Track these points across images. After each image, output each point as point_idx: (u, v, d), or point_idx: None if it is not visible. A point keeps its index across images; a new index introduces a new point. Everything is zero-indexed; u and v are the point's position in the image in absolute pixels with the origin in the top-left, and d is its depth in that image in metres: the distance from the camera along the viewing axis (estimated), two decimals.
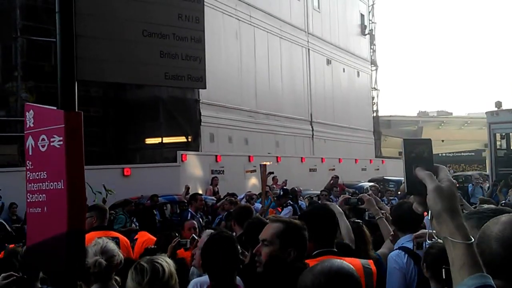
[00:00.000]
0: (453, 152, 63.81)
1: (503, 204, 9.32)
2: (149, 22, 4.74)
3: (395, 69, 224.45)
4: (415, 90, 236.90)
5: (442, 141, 45.91)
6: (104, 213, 7.34)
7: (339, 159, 31.50)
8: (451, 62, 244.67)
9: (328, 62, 35.15)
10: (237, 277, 4.36)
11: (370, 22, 42.44)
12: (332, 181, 23.12)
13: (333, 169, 28.64)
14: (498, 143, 19.99)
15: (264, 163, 14.27)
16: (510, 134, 19.43)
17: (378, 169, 35.99)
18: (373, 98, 42.22)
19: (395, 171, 34.80)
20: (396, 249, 5.14)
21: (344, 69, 37.25)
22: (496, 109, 19.85)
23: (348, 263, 3.53)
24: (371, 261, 4.14)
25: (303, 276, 2.60)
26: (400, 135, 45.43)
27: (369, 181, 25.77)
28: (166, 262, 3.93)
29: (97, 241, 4.22)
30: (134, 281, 3.80)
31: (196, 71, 5.15)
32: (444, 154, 64.21)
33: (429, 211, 1.94)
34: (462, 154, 66.24)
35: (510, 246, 2.09)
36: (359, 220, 5.99)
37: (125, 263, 4.29)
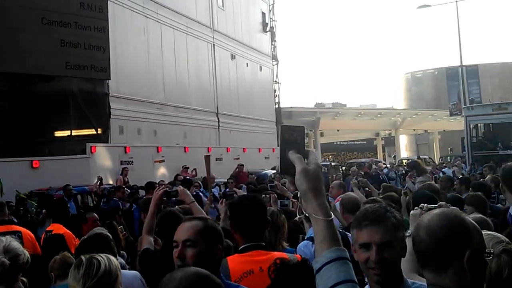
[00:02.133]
0: (347, 141, 65.65)
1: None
2: (49, 10, 4.40)
3: (294, 63, 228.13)
4: (312, 83, 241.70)
5: (338, 130, 46.90)
6: (2, 207, 6.93)
7: (244, 148, 31.59)
8: (344, 57, 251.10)
9: (233, 57, 35.12)
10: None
11: (271, 20, 42.69)
12: (237, 169, 23.25)
13: (238, 158, 28.73)
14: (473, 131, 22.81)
15: (207, 154, 14.38)
16: (479, 124, 22.51)
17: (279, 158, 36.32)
18: (274, 90, 42.58)
19: None
20: (305, 239, 4.94)
21: (247, 64, 37.31)
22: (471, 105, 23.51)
23: None
24: (299, 255, 3.90)
25: None
26: (300, 125, 46.09)
27: (272, 169, 26.01)
28: (107, 259, 3.49)
29: (0, 239, 3.70)
30: (71, 276, 3.42)
31: (99, 61, 4.85)
32: (339, 143, 65.98)
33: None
34: (355, 142, 68.28)
35: (435, 233, 2.13)
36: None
37: (33, 260, 3.82)
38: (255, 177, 20.93)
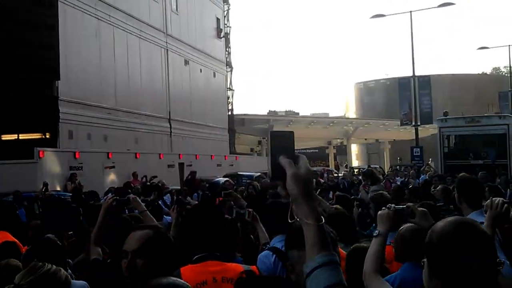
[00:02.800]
0: (299, 149, 66.05)
1: None
2: None
3: (248, 70, 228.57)
4: (266, 90, 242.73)
5: None
6: None
7: (196, 155, 31.47)
8: (297, 65, 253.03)
9: (186, 62, 34.96)
10: None
11: (225, 26, 42.78)
12: (190, 176, 23.07)
13: (190, 165, 28.59)
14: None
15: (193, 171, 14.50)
16: (450, 136, 24.10)
17: (232, 165, 36.40)
18: (228, 97, 42.63)
19: (248, 167, 35.38)
20: (266, 249, 4.86)
21: (201, 70, 37.20)
22: (444, 117, 24.86)
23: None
24: (255, 267, 3.85)
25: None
26: (252, 132, 46.22)
27: (224, 176, 25.95)
28: (58, 268, 3.30)
29: None
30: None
31: (48, 61, 4.65)
32: None
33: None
34: (308, 151, 68.77)
35: (445, 237, 2.12)
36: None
37: None
38: (207, 184, 20.82)
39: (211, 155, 33.88)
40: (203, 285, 3.48)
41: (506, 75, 76.66)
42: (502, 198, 3.81)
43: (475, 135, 22.16)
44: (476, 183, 5.05)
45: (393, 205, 3.64)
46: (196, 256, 3.61)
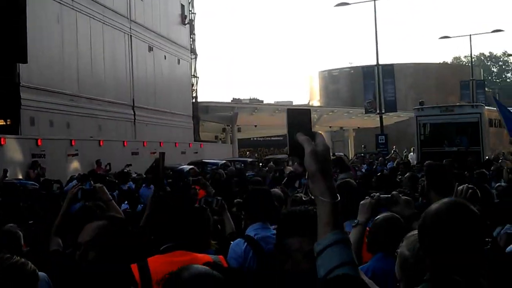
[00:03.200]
0: (264, 137, 66.14)
1: None
2: None
3: (212, 57, 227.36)
4: (230, 78, 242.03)
5: (255, 126, 47.20)
6: None
7: (160, 142, 31.24)
8: (261, 53, 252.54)
9: (150, 49, 34.60)
10: None
11: (190, 12, 42.43)
12: (154, 164, 22.89)
13: (155, 153, 28.33)
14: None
15: (162, 151, 14.22)
16: (427, 124, 25.01)
17: (196, 152, 36.27)
18: (192, 84, 42.40)
19: (213, 154, 35.31)
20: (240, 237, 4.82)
21: (165, 56, 36.88)
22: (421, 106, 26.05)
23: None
24: (222, 256, 3.82)
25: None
26: (217, 120, 46.09)
27: (189, 164, 25.85)
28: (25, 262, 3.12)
29: None
30: None
31: (14, 44, 4.50)
32: (256, 138, 66.46)
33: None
34: (272, 138, 68.91)
35: (438, 216, 2.26)
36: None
37: None
38: (171, 172, 20.66)
39: (175, 143, 33.69)
40: None
41: (467, 64, 77.89)
42: (467, 184, 3.86)
43: (450, 123, 23.13)
44: (444, 170, 5.03)
45: (377, 194, 3.64)
46: (164, 246, 3.55)
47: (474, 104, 29.14)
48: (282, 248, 2.91)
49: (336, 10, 54.96)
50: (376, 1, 32.58)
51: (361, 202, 3.64)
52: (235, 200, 8.58)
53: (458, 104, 30.13)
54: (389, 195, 3.64)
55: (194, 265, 2.06)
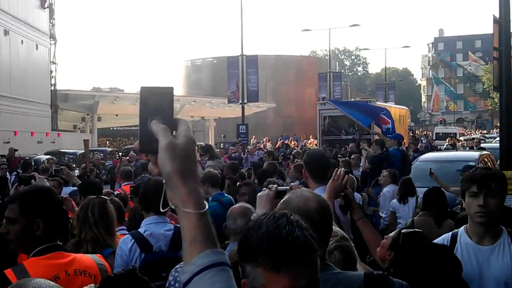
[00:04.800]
0: (124, 126, 64.87)
1: None
2: None
3: (73, 43, 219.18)
4: (90, 66, 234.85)
5: (116, 115, 46.18)
6: None
7: (15, 131, 29.78)
8: (122, 41, 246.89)
9: (6, 32, 32.61)
10: None
11: None
12: (9, 154, 21.69)
13: (8, 142, 27.08)
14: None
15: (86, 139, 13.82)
16: (327, 116, 28.80)
17: (54, 142, 35.02)
18: (51, 71, 40.63)
19: (71, 144, 34.12)
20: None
21: (22, 41, 34.94)
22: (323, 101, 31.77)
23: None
24: (100, 255, 3.59)
25: None
26: (76, 109, 44.60)
27: (46, 154, 24.91)
28: None
29: None
30: None
31: None
32: (115, 128, 65.00)
33: None
34: (132, 128, 67.76)
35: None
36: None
37: None
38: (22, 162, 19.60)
39: (31, 132, 32.24)
40: (56, 280, 3.27)
41: (324, 57, 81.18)
42: (343, 169, 3.98)
43: (346, 116, 25.32)
44: (321, 158, 4.94)
45: (274, 185, 3.32)
46: (38, 248, 3.18)
47: (368, 99, 35.62)
48: (148, 248, 2.66)
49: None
50: None
51: (259, 194, 3.29)
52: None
53: (352, 100, 35.07)
54: (288, 187, 3.45)
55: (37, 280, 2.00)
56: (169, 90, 1.69)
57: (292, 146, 32.60)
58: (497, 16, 9.56)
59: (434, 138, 45.12)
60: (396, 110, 34.23)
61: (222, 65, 41.73)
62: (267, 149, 25.07)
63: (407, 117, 42.41)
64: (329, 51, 55.70)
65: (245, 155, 21.52)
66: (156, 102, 1.65)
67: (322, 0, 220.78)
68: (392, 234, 3.70)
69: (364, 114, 19.67)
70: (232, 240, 4.39)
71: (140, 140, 1.64)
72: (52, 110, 39.76)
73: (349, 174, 4.02)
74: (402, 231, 3.61)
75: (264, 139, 38.21)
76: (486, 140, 33.94)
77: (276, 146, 33.48)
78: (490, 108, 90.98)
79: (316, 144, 30.36)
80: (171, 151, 1.56)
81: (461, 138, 38.32)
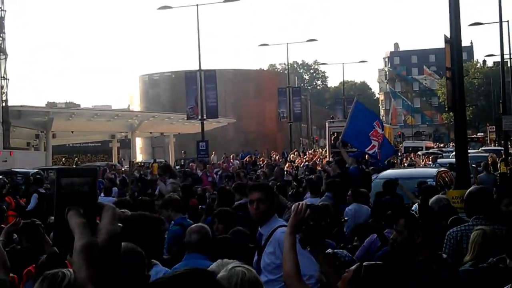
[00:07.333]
0: (80, 143, 63.95)
1: None
2: None
3: (25, 58, 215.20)
4: (44, 80, 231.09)
5: (72, 132, 45.43)
6: None
7: None
8: (78, 55, 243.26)
9: None
10: None
11: (0, 9, 39.78)
12: None
13: None
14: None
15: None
16: (335, 132, 31.81)
17: (6, 161, 34.09)
18: (2, 87, 39.71)
19: (25, 163, 33.29)
20: None
21: None
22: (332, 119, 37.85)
23: None
24: None
25: None
26: (30, 125, 43.63)
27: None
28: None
29: None
30: None
31: None
32: (71, 144, 64.01)
33: None
34: (89, 144, 66.85)
35: None
36: None
37: None
38: None
39: None
40: None
41: (283, 71, 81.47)
42: (304, 202, 3.86)
43: None
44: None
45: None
46: None
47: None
48: None
49: (159, 13, 54.75)
50: (198, 6, 32.81)
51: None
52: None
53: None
54: None
55: None
56: (92, 172, 1.45)
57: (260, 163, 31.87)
58: (448, 36, 9.59)
59: (403, 152, 45.65)
60: None
61: (180, 80, 41.51)
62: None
63: None
64: (288, 66, 55.95)
65: (202, 173, 21.20)
66: (77, 186, 1.40)
67: (279, 15, 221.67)
68: (353, 267, 3.57)
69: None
70: (187, 252, 4.91)
71: (54, 233, 1.43)
72: (3, 127, 38.78)
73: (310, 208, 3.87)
74: (364, 264, 3.48)
75: (224, 155, 37.88)
76: (444, 154, 34.38)
77: (245, 160, 33.03)
78: (446, 122, 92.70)
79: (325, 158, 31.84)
80: (87, 254, 1.35)
81: (419, 153, 38.92)
